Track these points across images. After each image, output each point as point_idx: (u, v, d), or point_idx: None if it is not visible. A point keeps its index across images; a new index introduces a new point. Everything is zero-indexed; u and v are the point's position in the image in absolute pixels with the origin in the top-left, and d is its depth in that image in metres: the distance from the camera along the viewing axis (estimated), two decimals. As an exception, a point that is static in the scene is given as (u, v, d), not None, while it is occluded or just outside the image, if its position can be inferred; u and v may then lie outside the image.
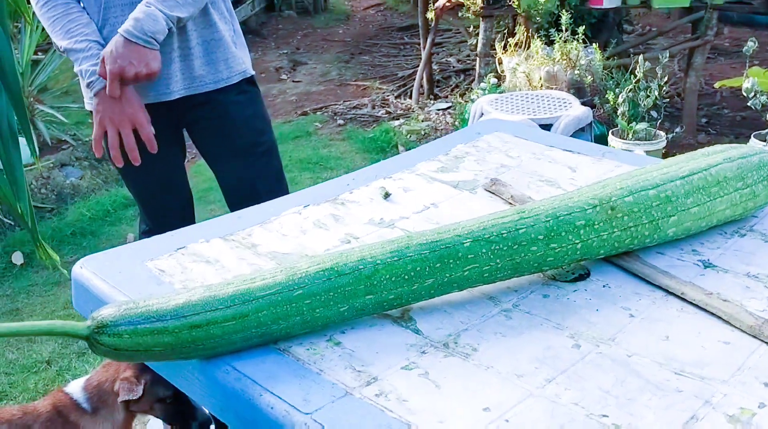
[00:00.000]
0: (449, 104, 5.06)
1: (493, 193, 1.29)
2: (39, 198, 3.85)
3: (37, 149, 4.17)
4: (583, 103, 3.38)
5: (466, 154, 1.47)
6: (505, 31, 4.75)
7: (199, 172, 4.36)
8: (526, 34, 4.08)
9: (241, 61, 1.95)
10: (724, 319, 0.92)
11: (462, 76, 5.80)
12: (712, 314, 0.93)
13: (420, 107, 5.15)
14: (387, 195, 1.29)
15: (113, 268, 1.04)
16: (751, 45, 3.20)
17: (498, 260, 0.95)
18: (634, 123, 3.52)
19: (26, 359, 2.69)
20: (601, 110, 3.79)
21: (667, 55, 3.49)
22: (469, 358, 0.86)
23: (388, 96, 5.60)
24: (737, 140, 4.23)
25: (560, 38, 3.82)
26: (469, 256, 0.94)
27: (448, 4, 4.56)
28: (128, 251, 1.11)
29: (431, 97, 5.38)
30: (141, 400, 1.42)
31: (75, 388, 1.51)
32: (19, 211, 0.68)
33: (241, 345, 0.85)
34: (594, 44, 3.94)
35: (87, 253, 3.41)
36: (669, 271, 1.02)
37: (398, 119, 4.98)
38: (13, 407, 1.47)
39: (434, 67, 5.81)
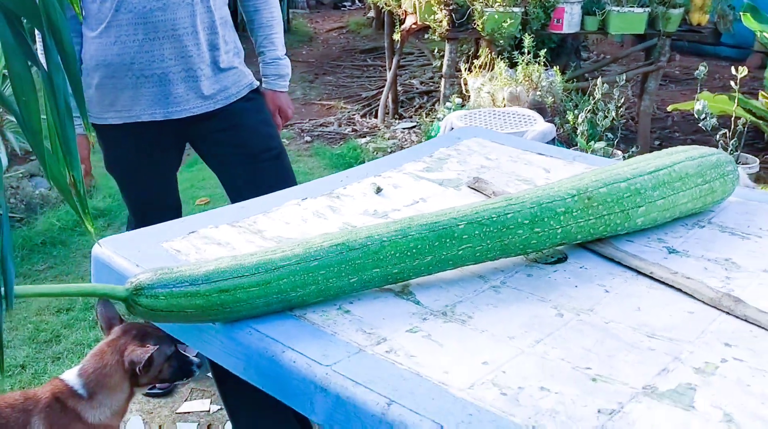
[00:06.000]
0: (414, 123, 5.19)
1: (476, 189, 1.40)
2: (8, 208, 3.85)
3: (6, 159, 4.18)
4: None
5: (449, 156, 1.58)
6: (469, 53, 4.92)
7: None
8: (489, 56, 4.25)
9: (246, 73, 2.02)
10: (688, 294, 1.04)
11: (425, 98, 5.95)
12: (678, 289, 1.05)
13: (386, 126, 5.27)
14: (379, 190, 1.39)
15: (132, 248, 1.12)
16: (702, 70, 3.40)
17: (488, 241, 1.06)
18: (593, 142, 3.69)
19: None
20: (561, 130, 3.95)
21: (624, 78, 3.68)
22: (466, 324, 0.96)
23: (353, 115, 5.72)
24: (688, 161, 4.42)
25: (523, 61, 3.99)
26: (464, 237, 1.04)
27: (414, 26, 4.71)
28: (143, 235, 1.19)
29: (396, 116, 5.52)
30: (151, 365, 1.49)
31: (70, 375, 1.56)
32: (72, 179, 0.75)
33: (262, 310, 0.94)
34: (554, 67, 4.12)
35: (58, 263, 3.41)
36: (638, 255, 1.14)
37: (364, 137, 5.09)
38: (16, 393, 1.51)
39: (399, 88, 5.95)
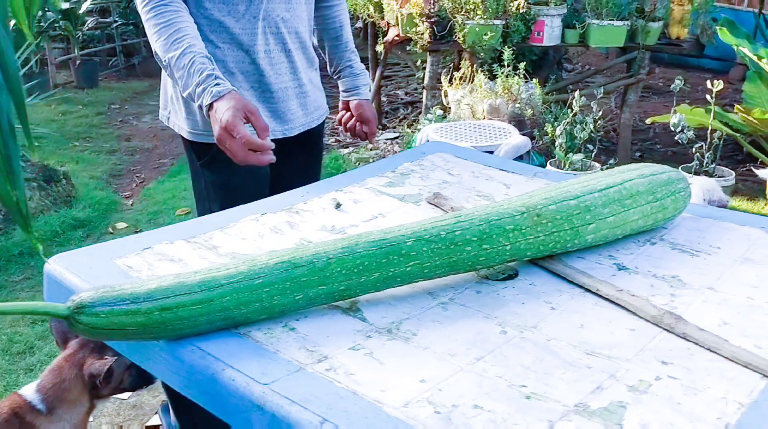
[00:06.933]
0: (397, 134, 5.21)
1: (435, 205, 1.42)
2: (-14, 218, 3.84)
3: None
4: (523, 135, 3.56)
5: (412, 171, 1.59)
6: (451, 65, 4.95)
7: (148, 196, 4.41)
8: (470, 68, 4.27)
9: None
10: (631, 311, 1.05)
11: (410, 108, 5.98)
12: (622, 307, 1.06)
13: (369, 137, 5.29)
14: (338, 205, 1.40)
15: (84, 265, 1.13)
16: (678, 83, 3.43)
17: (437, 258, 1.07)
18: (571, 154, 3.72)
19: (-28, 375, 2.69)
20: (540, 142, 3.98)
21: (602, 91, 3.71)
22: (410, 341, 0.97)
23: (337, 125, 5.74)
24: (668, 173, 4.46)
25: (503, 73, 4.02)
26: (412, 254, 1.05)
27: (396, 38, 4.73)
28: (97, 250, 1.20)
29: (380, 127, 5.54)
30: (112, 377, 1.49)
31: (29, 391, 1.57)
32: (15, 199, 0.76)
33: (205, 327, 0.94)
34: (534, 80, 4.15)
35: (35, 273, 3.39)
36: (587, 272, 1.15)
37: (348, 147, 5.11)
38: (-26, 408, 1.52)
39: (383, 98, 5.98)
